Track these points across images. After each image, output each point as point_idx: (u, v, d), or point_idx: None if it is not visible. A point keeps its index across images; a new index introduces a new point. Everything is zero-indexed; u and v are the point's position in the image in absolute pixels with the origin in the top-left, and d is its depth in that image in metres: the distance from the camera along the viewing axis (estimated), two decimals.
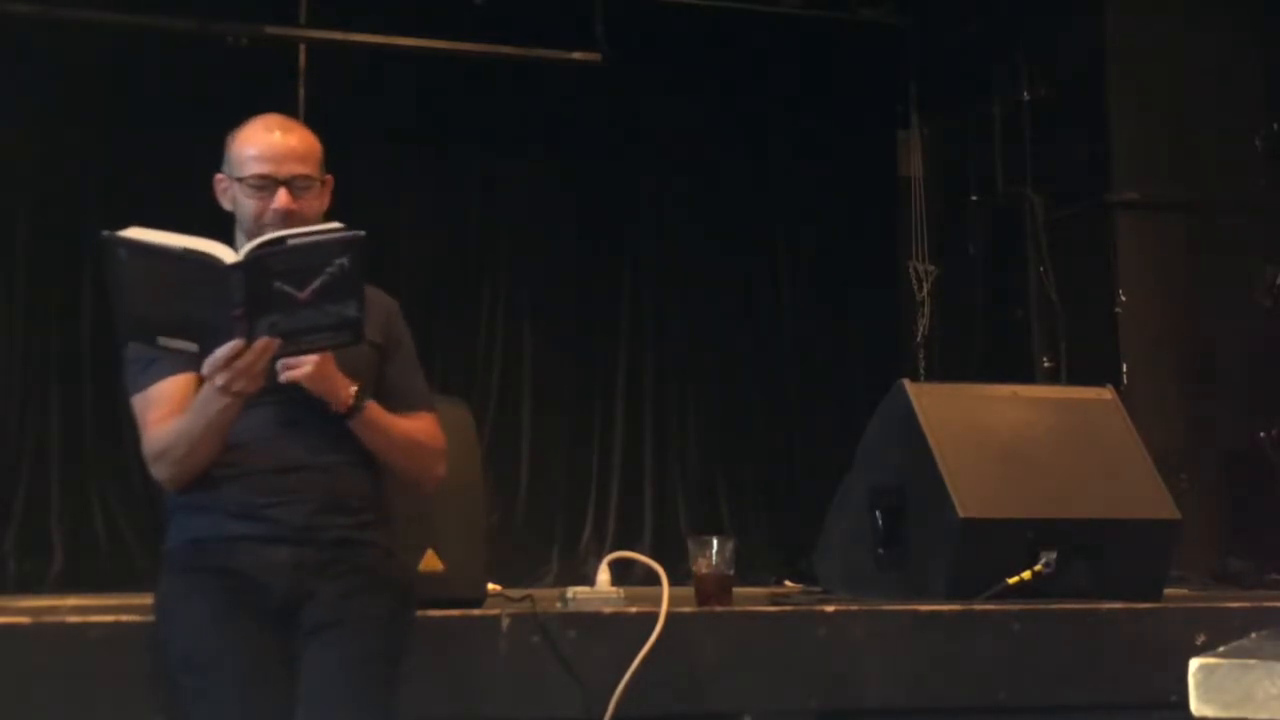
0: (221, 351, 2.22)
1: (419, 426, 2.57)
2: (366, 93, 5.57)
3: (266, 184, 2.49)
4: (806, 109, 6.17)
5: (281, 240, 2.20)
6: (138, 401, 2.47)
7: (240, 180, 2.50)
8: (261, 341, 2.23)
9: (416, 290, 5.33)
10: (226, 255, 2.18)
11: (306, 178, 2.52)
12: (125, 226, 2.27)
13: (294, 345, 2.27)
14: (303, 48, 5.55)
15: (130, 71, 5.38)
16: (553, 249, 5.93)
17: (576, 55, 5.69)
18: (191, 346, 2.26)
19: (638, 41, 5.86)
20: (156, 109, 5.38)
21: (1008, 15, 5.76)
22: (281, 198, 2.48)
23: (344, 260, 2.21)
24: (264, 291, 2.19)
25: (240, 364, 2.23)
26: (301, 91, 5.46)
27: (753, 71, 6.11)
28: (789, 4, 6.10)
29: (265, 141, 2.51)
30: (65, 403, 5.28)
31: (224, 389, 2.27)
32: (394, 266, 5.37)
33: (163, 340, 2.27)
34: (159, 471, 2.44)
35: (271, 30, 5.49)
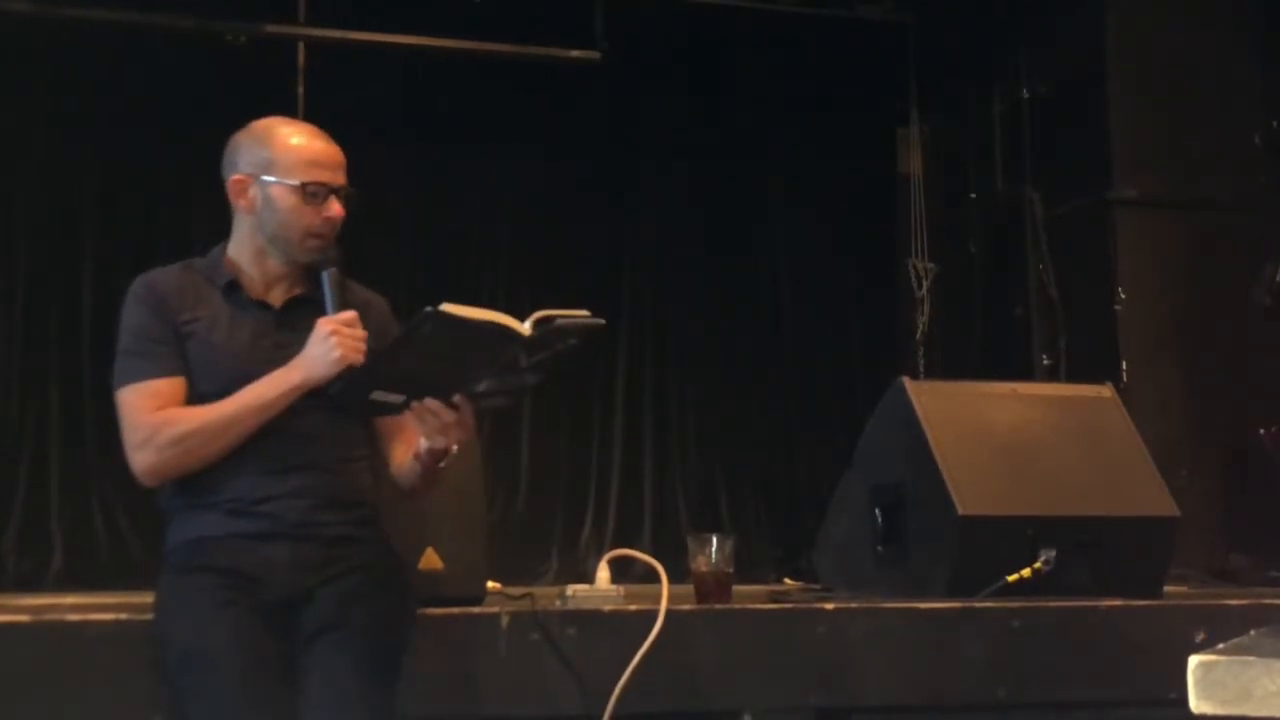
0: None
1: None
2: (366, 91, 5.56)
3: (322, 192, 2.48)
4: (806, 107, 6.17)
5: (551, 319, 2.29)
6: (131, 392, 2.45)
7: (296, 186, 2.48)
8: (458, 399, 2.34)
9: (415, 290, 5.33)
10: (520, 328, 2.27)
11: (349, 189, 2.54)
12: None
13: (480, 402, 2.39)
14: (302, 46, 5.55)
15: (130, 71, 5.38)
16: (552, 248, 5.92)
17: (575, 53, 5.68)
18: (398, 398, 2.35)
19: (637, 40, 5.85)
20: (156, 108, 5.38)
21: (1008, 12, 5.76)
22: (335, 207, 2.49)
23: (575, 341, 2.33)
24: (514, 358, 2.30)
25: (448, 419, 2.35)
26: (301, 90, 5.47)
27: (752, 69, 6.10)
28: (788, 2, 6.09)
29: (320, 149, 2.51)
30: (65, 402, 5.28)
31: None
32: (393, 266, 5.38)
33: (375, 394, 2.36)
34: (152, 455, 2.41)
35: (271, 29, 5.49)
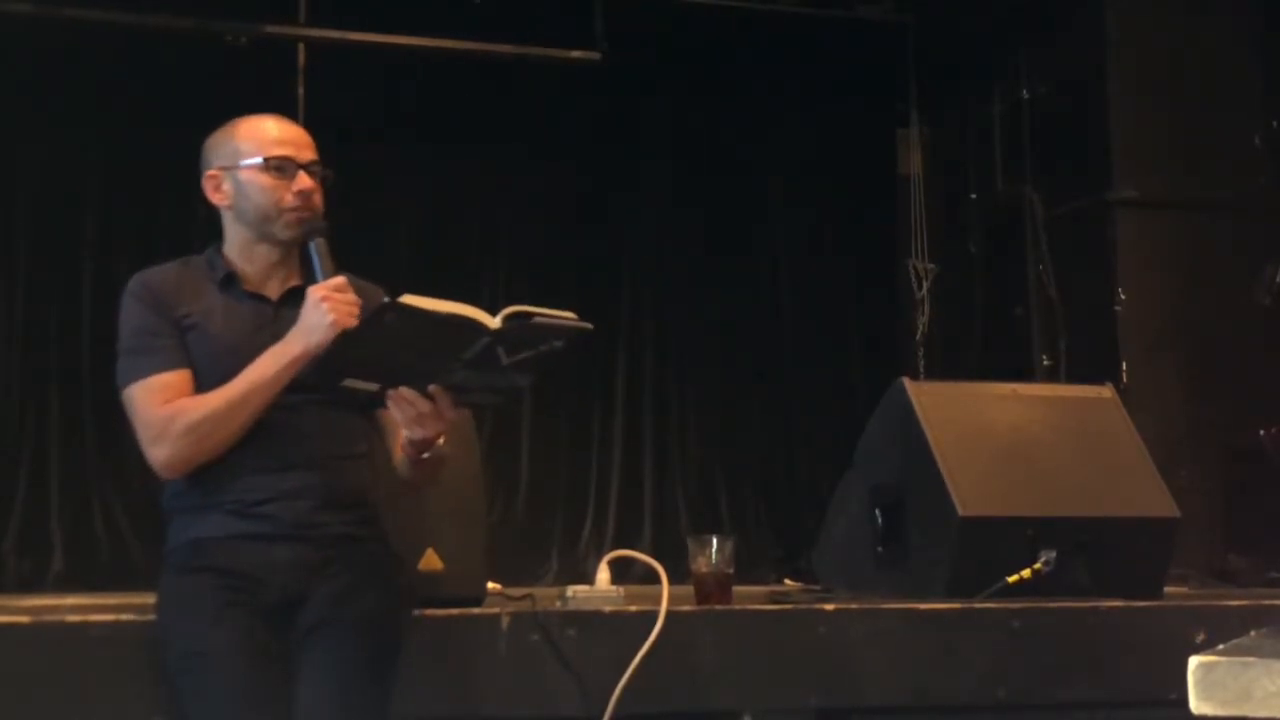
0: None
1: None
2: (366, 91, 5.57)
3: (288, 166, 2.51)
4: (806, 107, 6.17)
5: (529, 316, 2.26)
6: (139, 388, 2.45)
7: (261, 165, 2.50)
8: (434, 390, 2.32)
9: (414, 289, 5.31)
10: (488, 321, 2.25)
11: (320, 164, 2.55)
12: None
13: (461, 397, 2.36)
14: (302, 46, 5.55)
15: (130, 71, 5.38)
16: (552, 248, 5.92)
17: (575, 54, 5.68)
18: (372, 386, 2.34)
19: (637, 40, 5.85)
20: (156, 108, 5.37)
21: (1008, 13, 5.76)
22: (304, 179, 2.51)
23: (560, 343, 2.31)
24: (488, 352, 2.27)
25: (423, 409, 2.32)
26: (301, 90, 5.46)
27: (752, 70, 6.10)
28: (788, 2, 6.09)
29: (281, 128, 2.55)
30: (65, 402, 5.28)
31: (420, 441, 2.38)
32: (393, 266, 5.37)
33: (348, 381, 2.35)
34: (168, 448, 2.41)
35: (271, 29, 5.49)
